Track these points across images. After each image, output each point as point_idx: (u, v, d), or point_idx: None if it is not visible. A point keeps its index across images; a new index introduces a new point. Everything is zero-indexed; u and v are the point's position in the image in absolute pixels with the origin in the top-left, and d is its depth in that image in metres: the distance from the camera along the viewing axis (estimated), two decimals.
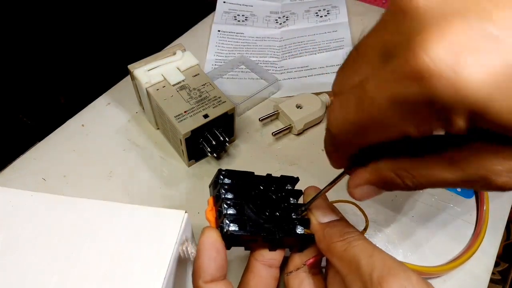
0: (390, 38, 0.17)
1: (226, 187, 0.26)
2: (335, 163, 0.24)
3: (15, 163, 0.39)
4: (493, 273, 0.33)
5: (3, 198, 0.25)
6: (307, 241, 0.26)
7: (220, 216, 0.25)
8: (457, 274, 0.32)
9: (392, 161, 0.21)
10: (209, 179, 0.37)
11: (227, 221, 0.24)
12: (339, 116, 0.19)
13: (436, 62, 0.14)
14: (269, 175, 0.28)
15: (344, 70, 0.21)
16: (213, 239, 0.23)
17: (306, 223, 0.26)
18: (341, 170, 0.25)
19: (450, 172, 0.19)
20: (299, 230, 0.26)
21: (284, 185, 0.28)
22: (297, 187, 0.29)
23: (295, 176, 0.29)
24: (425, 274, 0.32)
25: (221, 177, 0.26)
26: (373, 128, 0.18)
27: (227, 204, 0.25)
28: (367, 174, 0.22)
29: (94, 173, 0.38)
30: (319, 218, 0.26)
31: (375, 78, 0.17)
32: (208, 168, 0.39)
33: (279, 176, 0.28)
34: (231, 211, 0.25)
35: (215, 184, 0.26)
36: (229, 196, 0.25)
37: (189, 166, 0.39)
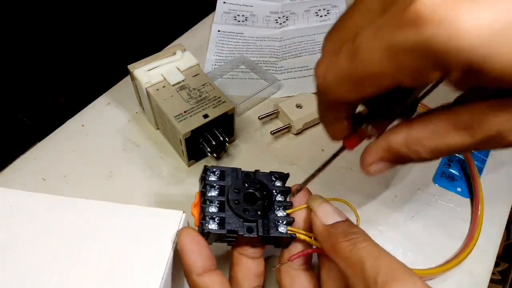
0: None
1: (211, 183, 0.26)
2: (332, 132, 0.24)
3: (15, 163, 0.39)
4: (493, 273, 0.33)
5: (1, 199, 0.25)
6: (288, 239, 0.26)
7: (201, 213, 0.25)
8: (457, 274, 0.32)
9: (404, 135, 0.21)
10: None
11: (207, 219, 0.25)
12: (331, 70, 0.19)
13: (432, 9, 0.14)
14: (257, 171, 0.28)
15: (336, 28, 0.20)
16: (190, 236, 0.23)
17: (288, 222, 0.26)
18: (328, 158, 0.25)
19: (465, 137, 0.19)
20: (282, 228, 0.26)
21: (272, 181, 0.28)
22: (287, 179, 0.29)
23: (285, 173, 0.28)
24: (421, 277, 0.32)
25: (208, 173, 0.27)
26: (367, 79, 0.17)
27: (210, 201, 0.25)
28: (380, 152, 0.22)
29: (94, 173, 0.38)
30: (323, 219, 0.25)
31: (370, 27, 0.17)
32: None
33: (268, 172, 0.28)
34: (212, 209, 0.25)
35: (202, 180, 0.27)
36: (213, 193, 0.26)
37: (189, 166, 0.39)
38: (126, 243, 0.23)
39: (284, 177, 0.28)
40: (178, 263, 0.25)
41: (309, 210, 0.27)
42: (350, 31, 0.18)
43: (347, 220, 0.25)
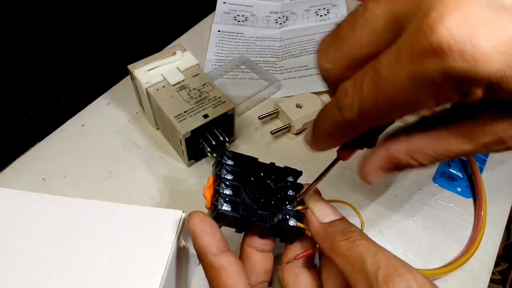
0: (402, 7, 0.16)
1: (227, 168, 0.26)
2: (324, 146, 0.23)
3: (15, 163, 0.39)
4: (493, 273, 0.33)
5: (1, 199, 0.25)
6: (297, 234, 0.26)
7: (215, 195, 0.25)
8: (457, 274, 0.32)
9: (404, 142, 0.21)
10: None
11: (221, 200, 0.24)
12: (354, 100, 0.18)
13: (454, 35, 0.14)
14: (272, 164, 0.28)
15: (340, 40, 0.19)
16: (201, 217, 0.23)
17: (299, 217, 0.26)
18: (329, 163, 0.25)
19: (467, 143, 0.19)
20: (292, 222, 0.26)
21: (286, 176, 0.28)
22: (300, 176, 0.29)
23: (299, 170, 0.29)
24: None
25: (225, 157, 0.26)
26: (391, 107, 0.17)
27: (225, 184, 0.25)
28: (380, 160, 0.22)
29: (94, 173, 0.38)
30: (320, 218, 0.25)
31: (388, 55, 0.16)
32: (208, 168, 0.39)
33: (283, 166, 0.28)
34: (227, 191, 0.25)
35: (218, 163, 0.27)
36: (229, 177, 0.26)
37: (189, 166, 0.39)
38: (126, 243, 0.23)
39: (297, 173, 0.29)
40: (179, 263, 0.25)
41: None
42: (360, 50, 0.18)
43: (344, 219, 0.25)
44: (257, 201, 0.25)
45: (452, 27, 0.14)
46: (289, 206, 0.27)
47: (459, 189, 0.37)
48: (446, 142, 0.20)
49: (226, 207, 0.24)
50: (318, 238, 0.25)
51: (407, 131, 0.21)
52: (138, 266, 0.22)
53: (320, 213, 0.26)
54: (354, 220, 0.28)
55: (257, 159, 0.28)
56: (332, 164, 0.25)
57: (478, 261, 0.33)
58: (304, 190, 0.27)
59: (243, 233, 0.28)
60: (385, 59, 0.16)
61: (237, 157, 0.27)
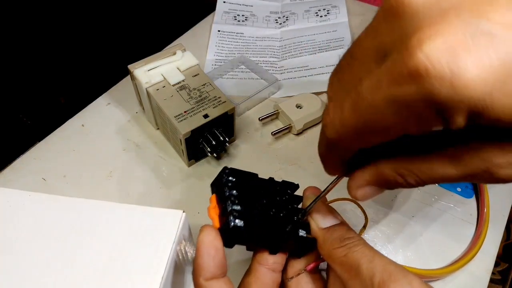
0: (385, 38, 0.17)
1: (230, 184, 0.25)
2: (329, 169, 0.24)
3: (15, 163, 0.39)
4: (493, 273, 0.33)
5: (1, 199, 0.25)
6: (310, 244, 0.26)
7: (224, 213, 0.24)
8: (457, 274, 0.32)
9: (393, 161, 0.21)
10: (209, 179, 0.37)
11: (231, 217, 0.24)
12: (335, 120, 0.19)
13: (432, 60, 0.14)
14: (271, 179, 0.28)
15: (338, 73, 0.20)
16: (211, 237, 0.23)
17: (307, 228, 0.26)
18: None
19: (453, 168, 0.19)
20: (302, 233, 0.26)
21: (286, 189, 0.28)
22: (297, 189, 0.29)
23: (295, 183, 0.28)
24: (427, 277, 0.32)
25: (225, 175, 0.26)
26: (370, 129, 0.17)
27: (232, 200, 0.24)
28: (368, 176, 0.22)
29: (94, 173, 0.38)
30: (319, 222, 0.25)
31: (370, 79, 0.16)
32: (208, 168, 0.39)
33: (280, 180, 0.28)
34: (236, 207, 0.24)
35: (219, 182, 0.26)
36: (234, 193, 0.25)
37: (189, 166, 0.39)
38: (126, 243, 0.23)
39: (294, 186, 0.28)
40: (179, 264, 0.25)
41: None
42: (351, 79, 0.18)
43: (342, 224, 0.25)
44: (266, 215, 0.25)
45: (430, 52, 0.14)
46: (295, 217, 0.26)
47: (459, 189, 0.37)
48: (432, 163, 0.19)
49: (238, 222, 0.24)
50: (318, 244, 0.25)
51: (398, 149, 0.21)
52: (138, 266, 0.22)
53: (319, 217, 0.26)
54: (358, 218, 0.28)
55: (256, 174, 0.27)
56: (336, 180, 0.25)
57: (478, 261, 0.33)
58: (310, 203, 0.26)
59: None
60: (367, 82, 0.17)
61: (236, 173, 0.26)
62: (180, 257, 0.25)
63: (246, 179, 0.26)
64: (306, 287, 0.26)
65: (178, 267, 0.25)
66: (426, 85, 0.14)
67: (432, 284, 0.21)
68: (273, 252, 0.26)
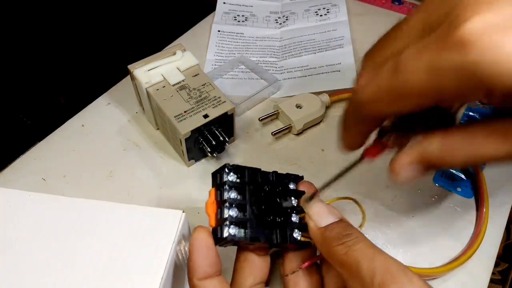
0: (433, 15, 0.17)
1: (230, 184, 0.25)
2: (350, 142, 0.23)
3: (15, 163, 0.39)
4: (493, 273, 0.33)
5: (1, 199, 0.25)
6: (303, 247, 0.26)
7: (221, 216, 0.24)
8: (457, 274, 0.32)
9: (439, 141, 0.20)
10: (209, 179, 0.37)
11: (225, 226, 0.23)
12: (372, 83, 0.19)
13: (479, 33, 0.15)
14: (275, 172, 0.28)
15: (381, 42, 0.21)
16: (203, 236, 0.23)
17: (304, 228, 0.26)
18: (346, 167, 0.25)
19: (500, 146, 0.18)
20: (296, 235, 0.26)
21: (288, 183, 0.28)
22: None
23: (300, 175, 0.28)
24: (425, 276, 0.32)
25: (227, 170, 0.25)
26: (408, 96, 0.18)
27: (229, 204, 0.24)
28: (413, 157, 0.21)
29: (94, 173, 0.38)
30: (318, 221, 0.25)
31: (414, 46, 0.17)
32: (208, 168, 0.39)
33: (284, 173, 0.28)
34: (232, 212, 0.24)
35: (219, 178, 0.25)
36: (232, 195, 0.25)
37: (189, 166, 0.39)
38: (126, 243, 0.23)
39: (298, 178, 0.28)
40: (179, 264, 0.25)
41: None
42: (394, 49, 0.19)
43: (341, 221, 0.25)
44: (263, 220, 0.25)
45: (477, 27, 0.15)
46: (293, 216, 0.26)
47: (459, 189, 0.37)
48: (481, 142, 0.19)
49: (233, 230, 0.23)
50: (317, 243, 0.25)
51: (446, 126, 0.21)
52: (138, 266, 0.22)
53: (317, 216, 0.25)
54: (358, 217, 0.28)
55: (259, 169, 0.27)
56: (354, 164, 0.25)
57: (478, 261, 0.33)
58: (319, 188, 0.26)
59: None
60: (408, 51, 0.17)
61: (238, 169, 0.26)
62: (180, 257, 0.25)
63: (249, 175, 0.26)
64: (303, 283, 0.26)
65: (178, 267, 0.25)
66: (469, 56, 0.15)
67: (430, 283, 0.21)
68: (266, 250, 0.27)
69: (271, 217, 0.25)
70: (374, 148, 0.23)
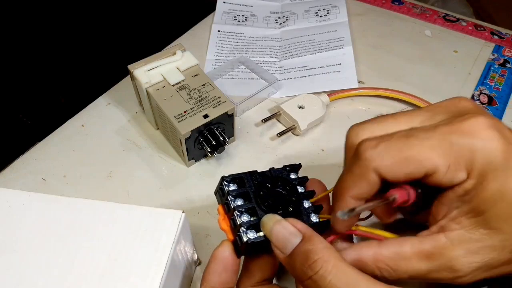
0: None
1: (233, 194, 0.25)
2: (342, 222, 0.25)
3: (15, 163, 0.39)
4: None
5: (1, 199, 0.25)
6: (323, 228, 0.26)
7: (235, 225, 0.24)
8: None
9: (374, 250, 0.23)
10: (209, 179, 0.37)
11: (243, 229, 0.23)
12: (384, 143, 0.23)
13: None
14: (272, 169, 0.28)
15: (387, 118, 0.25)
16: (225, 254, 0.24)
17: (318, 210, 0.26)
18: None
19: (423, 265, 0.22)
20: (314, 218, 0.26)
21: (288, 174, 0.28)
22: (300, 168, 0.28)
23: (297, 163, 0.28)
24: None
25: (225, 183, 0.25)
26: (415, 160, 0.22)
27: (239, 211, 0.24)
28: (349, 260, 0.23)
29: (94, 173, 0.38)
30: (281, 248, 0.23)
31: (432, 126, 0.23)
32: (208, 168, 0.39)
33: (281, 167, 0.28)
34: (244, 217, 0.24)
35: (221, 192, 0.26)
36: (239, 202, 0.25)
37: (189, 166, 0.39)
38: (126, 243, 0.23)
39: (297, 167, 0.28)
40: (179, 264, 0.25)
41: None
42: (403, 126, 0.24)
43: (304, 240, 0.22)
44: (275, 212, 0.25)
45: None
46: (305, 202, 0.26)
47: None
48: (408, 258, 0.22)
49: (251, 234, 0.23)
50: (290, 273, 0.23)
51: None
52: (138, 266, 0.22)
53: (279, 243, 0.23)
54: None
55: (256, 171, 0.27)
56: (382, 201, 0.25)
57: None
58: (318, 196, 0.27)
59: None
60: (425, 128, 0.23)
61: (236, 178, 0.26)
62: (180, 257, 0.25)
63: (247, 180, 0.26)
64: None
65: (178, 267, 0.25)
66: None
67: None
68: None
69: (282, 209, 0.25)
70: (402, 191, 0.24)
